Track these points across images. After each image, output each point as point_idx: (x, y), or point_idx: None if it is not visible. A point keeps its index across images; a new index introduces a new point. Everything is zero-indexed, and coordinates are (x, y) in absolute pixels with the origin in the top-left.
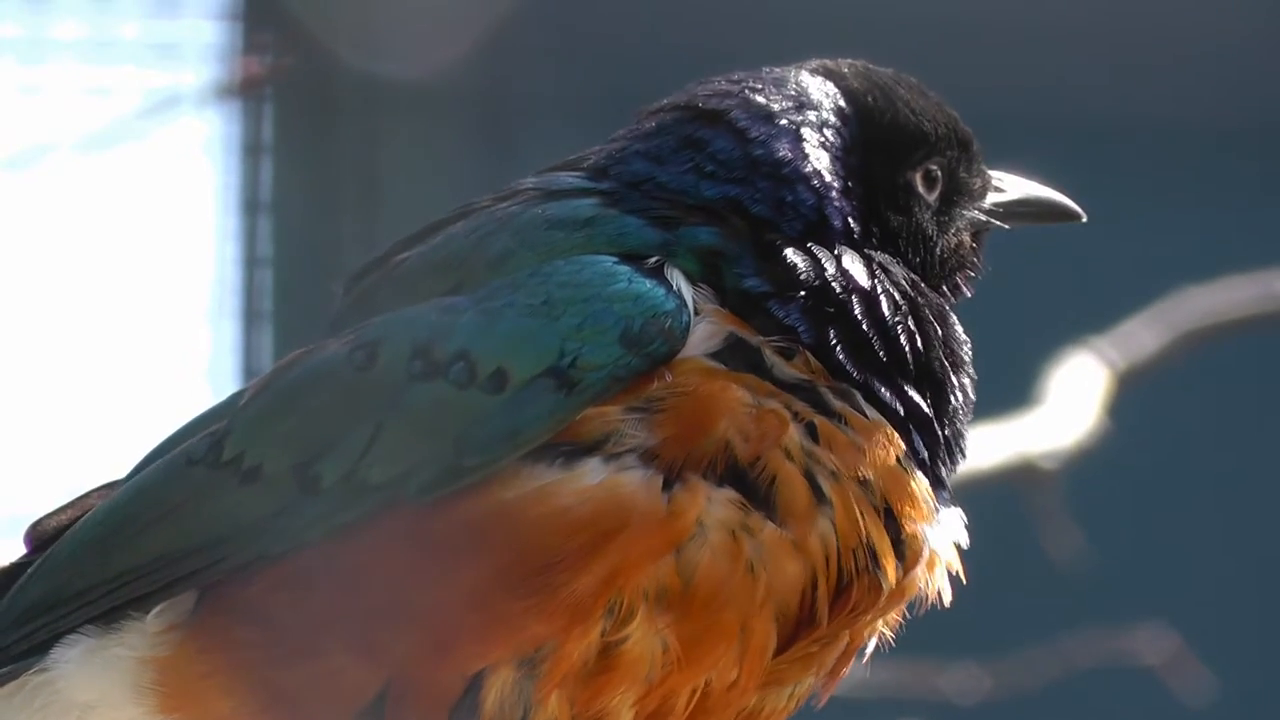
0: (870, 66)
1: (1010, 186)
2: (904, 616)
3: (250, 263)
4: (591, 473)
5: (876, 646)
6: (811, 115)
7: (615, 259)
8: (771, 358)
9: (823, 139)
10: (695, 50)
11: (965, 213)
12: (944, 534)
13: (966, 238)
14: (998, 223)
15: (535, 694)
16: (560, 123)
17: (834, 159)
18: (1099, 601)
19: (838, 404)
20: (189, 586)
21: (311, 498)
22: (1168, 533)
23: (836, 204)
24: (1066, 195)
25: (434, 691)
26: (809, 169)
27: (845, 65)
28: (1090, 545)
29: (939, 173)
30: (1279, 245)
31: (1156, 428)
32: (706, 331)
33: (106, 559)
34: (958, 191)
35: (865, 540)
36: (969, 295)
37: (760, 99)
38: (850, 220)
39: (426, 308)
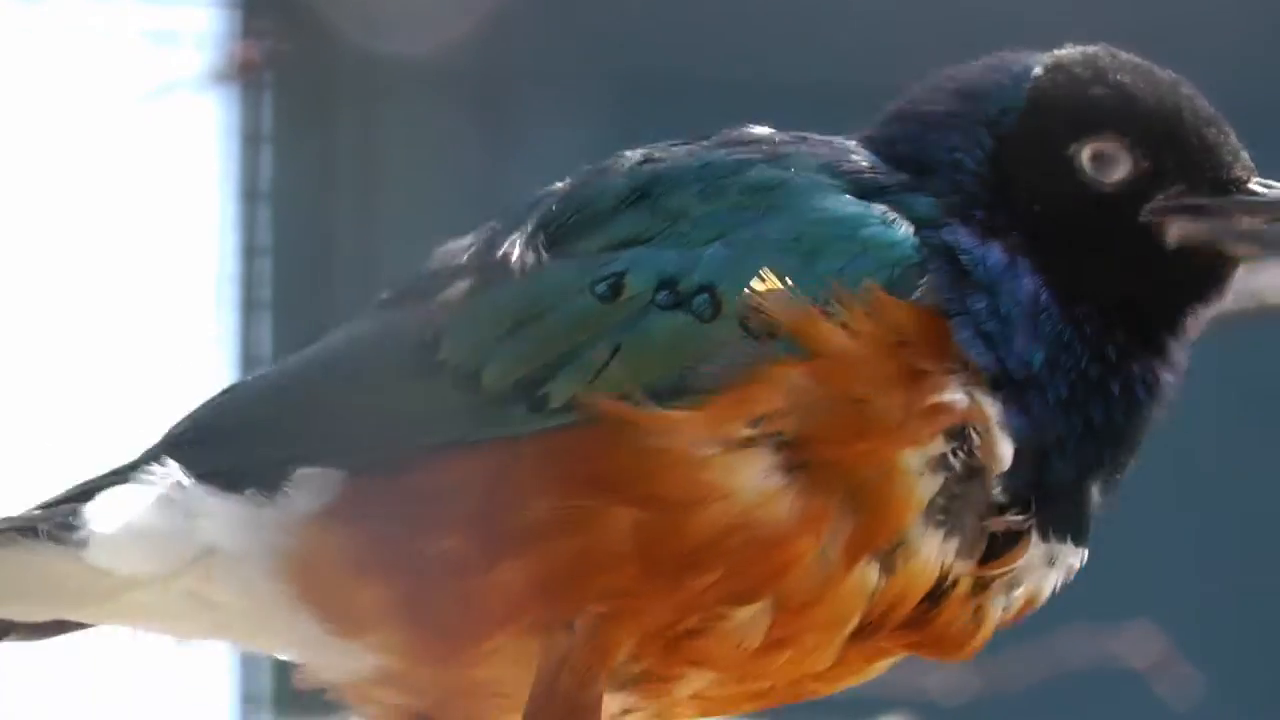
0: (1108, 52)
1: None
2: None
3: (249, 251)
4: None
5: None
6: (961, 88)
7: (865, 203)
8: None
9: (956, 111)
10: (697, 31)
11: (1181, 221)
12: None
13: (1177, 253)
14: (1244, 247)
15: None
16: (563, 105)
17: (965, 130)
18: (1086, 601)
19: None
20: (357, 468)
21: (536, 411)
22: (1155, 531)
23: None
24: None
25: (603, 650)
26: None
27: (1077, 50)
28: None
29: (1119, 155)
30: None
31: None
32: None
33: (290, 411)
34: (1164, 189)
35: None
36: (1186, 323)
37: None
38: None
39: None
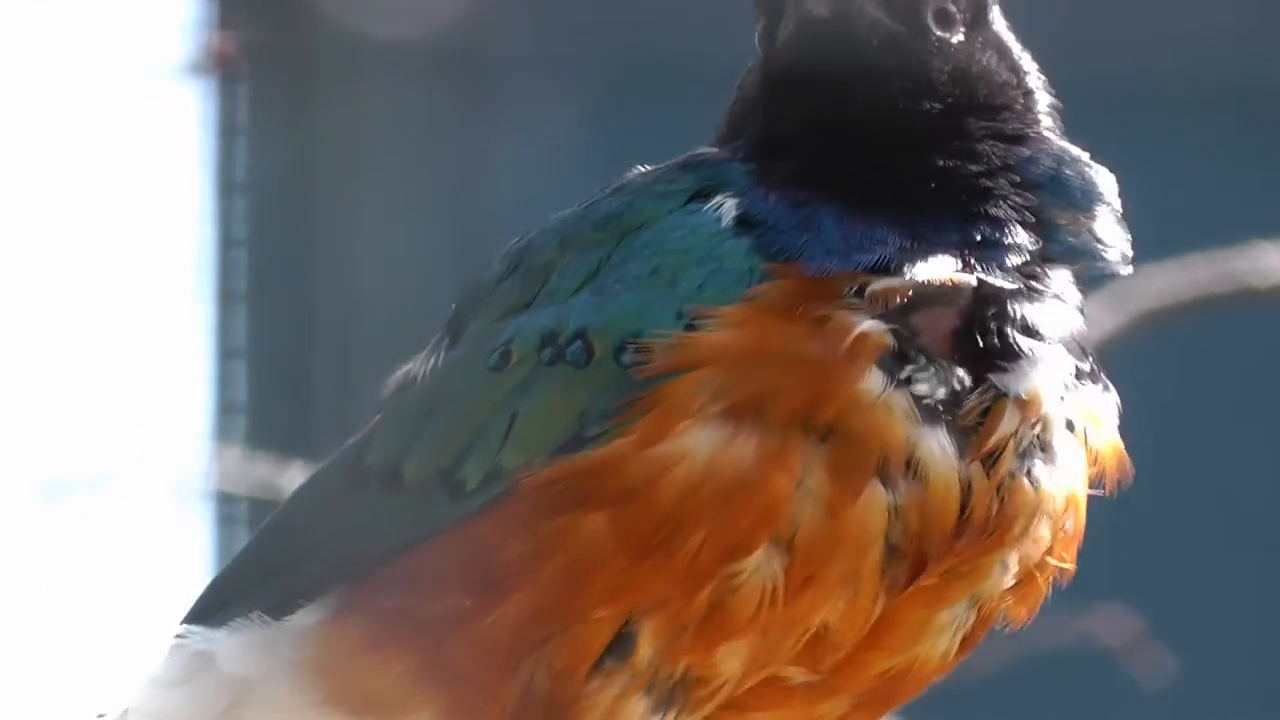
0: None
1: None
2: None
3: (225, 243)
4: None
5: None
6: None
7: (717, 217)
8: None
9: None
10: (687, 15)
11: None
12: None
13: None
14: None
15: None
16: (549, 92)
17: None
18: (1059, 582)
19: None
20: (340, 583)
21: (456, 498)
22: (1128, 512)
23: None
24: None
25: (580, 644)
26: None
27: None
28: None
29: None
30: (1236, 225)
31: None
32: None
33: (276, 555)
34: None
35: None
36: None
37: None
38: None
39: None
